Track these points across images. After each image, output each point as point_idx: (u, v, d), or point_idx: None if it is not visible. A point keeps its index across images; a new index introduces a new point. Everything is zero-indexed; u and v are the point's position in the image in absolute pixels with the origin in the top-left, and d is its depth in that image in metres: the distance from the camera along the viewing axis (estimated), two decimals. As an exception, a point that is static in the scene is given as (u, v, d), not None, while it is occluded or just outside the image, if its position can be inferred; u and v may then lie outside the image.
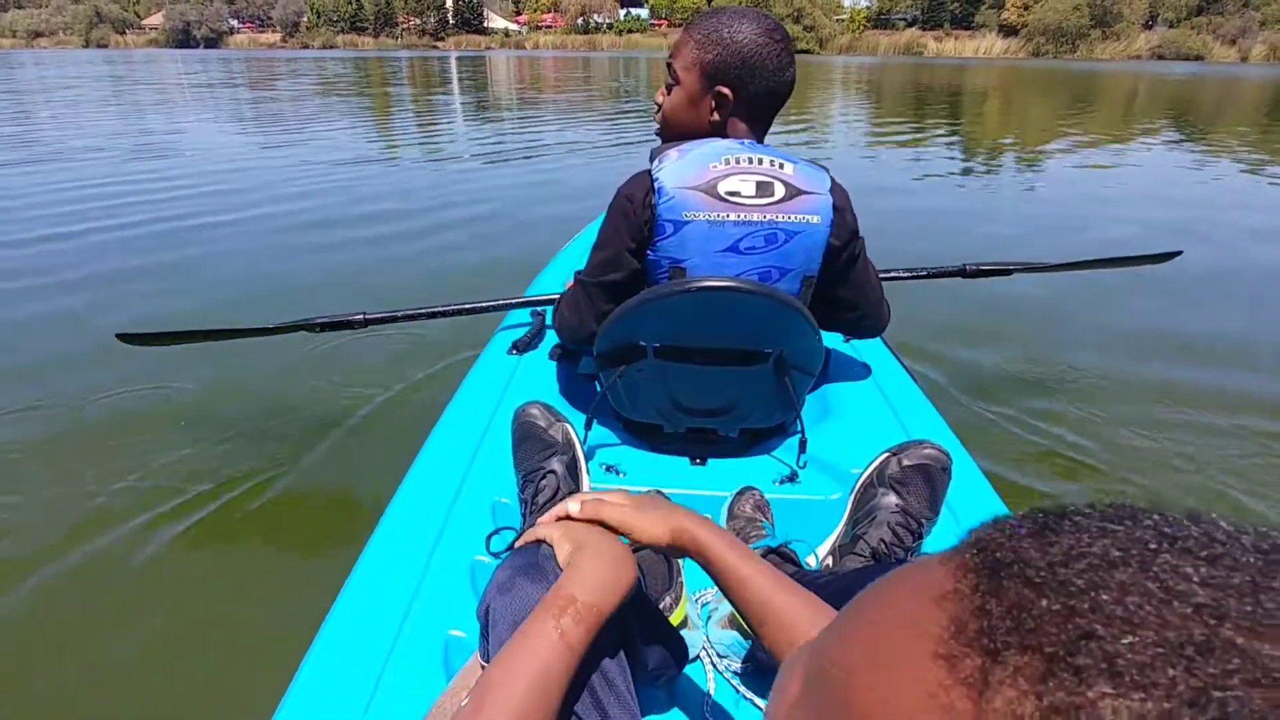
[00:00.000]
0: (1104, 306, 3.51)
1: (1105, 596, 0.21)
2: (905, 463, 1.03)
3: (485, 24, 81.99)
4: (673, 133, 1.29)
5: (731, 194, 1.13)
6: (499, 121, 11.63)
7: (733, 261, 1.16)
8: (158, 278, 3.86)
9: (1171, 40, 54.33)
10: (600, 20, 79.09)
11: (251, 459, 2.18)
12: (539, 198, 5.78)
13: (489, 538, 0.92)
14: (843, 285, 1.30)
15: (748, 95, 1.21)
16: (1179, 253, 2.28)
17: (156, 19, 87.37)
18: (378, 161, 7.65)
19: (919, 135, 10.41)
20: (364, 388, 2.59)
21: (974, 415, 2.51)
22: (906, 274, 1.92)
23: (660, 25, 77.31)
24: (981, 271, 1.97)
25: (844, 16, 69.93)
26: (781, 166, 1.16)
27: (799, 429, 1.25)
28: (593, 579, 0.69)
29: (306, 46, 76.47)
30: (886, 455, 1.05)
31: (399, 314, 1.89)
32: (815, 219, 1.16)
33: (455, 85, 20.45)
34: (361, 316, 1.86)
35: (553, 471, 1.06)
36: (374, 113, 12.92)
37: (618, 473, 1.24)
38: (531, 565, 0.75)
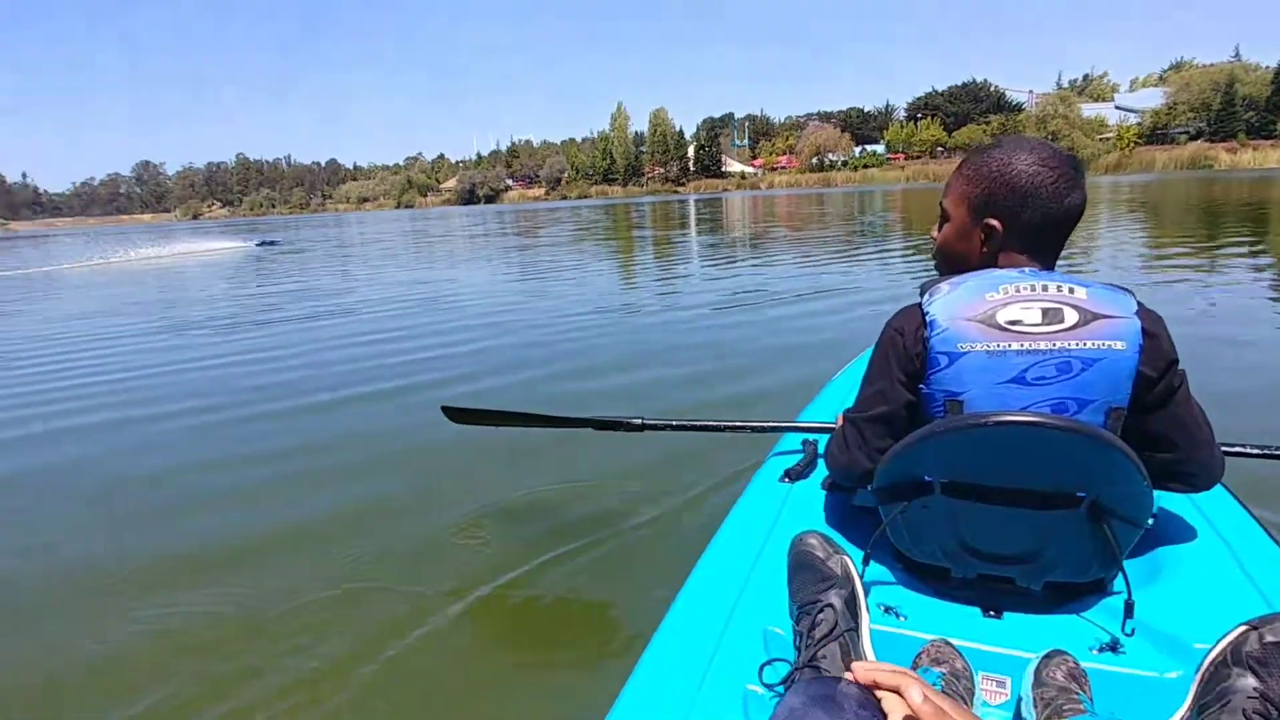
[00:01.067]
0: None
1: None
2: (1269, 639, 0.87)
3: (723, 168, 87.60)
4: (948, 266, 1.29)
5: (1013, 323, 1.08)
6: (737, 259, 11.85)
7: (1019, 393, 1.09)
8: (468, 378, 4.59)
9: None
10: (835, 158, 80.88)
11: (528, 548, 2.29)
12: (808, 326, 5.72)
13: (762, 668, 0.96)
14: (1158, 420, 1.15)
15: (1020, 225, 1.19)
16: None
17: (451, 183, 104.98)
18: (634, 291, 8.16)
19: (1218, 257, 8.53)
20: (637, 493, 2.65)
21: None
22: (1258, 451, 1.56)
23: (897, 159, 77.21)
24: None
25: (1109, 135, 64.92)
26: (1071, 291, 1.09)
27: (1123, 589, 1.09)
28: None
29: (565, 198, 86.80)
30: (1244, 629, 0.90)
31: (673, 423, 1.99)
32: (1119, 345, 1.07)
33: (692, 225, 21.70)
34: (640, 421, 1.97)
35: (831, 605, 1.02)
36: (623, 253, 14.01)
37: (898, 615, 1.14)
38: (827, 698, 0.73)
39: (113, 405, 4.30)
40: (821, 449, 1.59)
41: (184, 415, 3.99)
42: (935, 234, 1.32)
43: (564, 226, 24.44)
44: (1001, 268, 1.19)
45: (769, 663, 0.92)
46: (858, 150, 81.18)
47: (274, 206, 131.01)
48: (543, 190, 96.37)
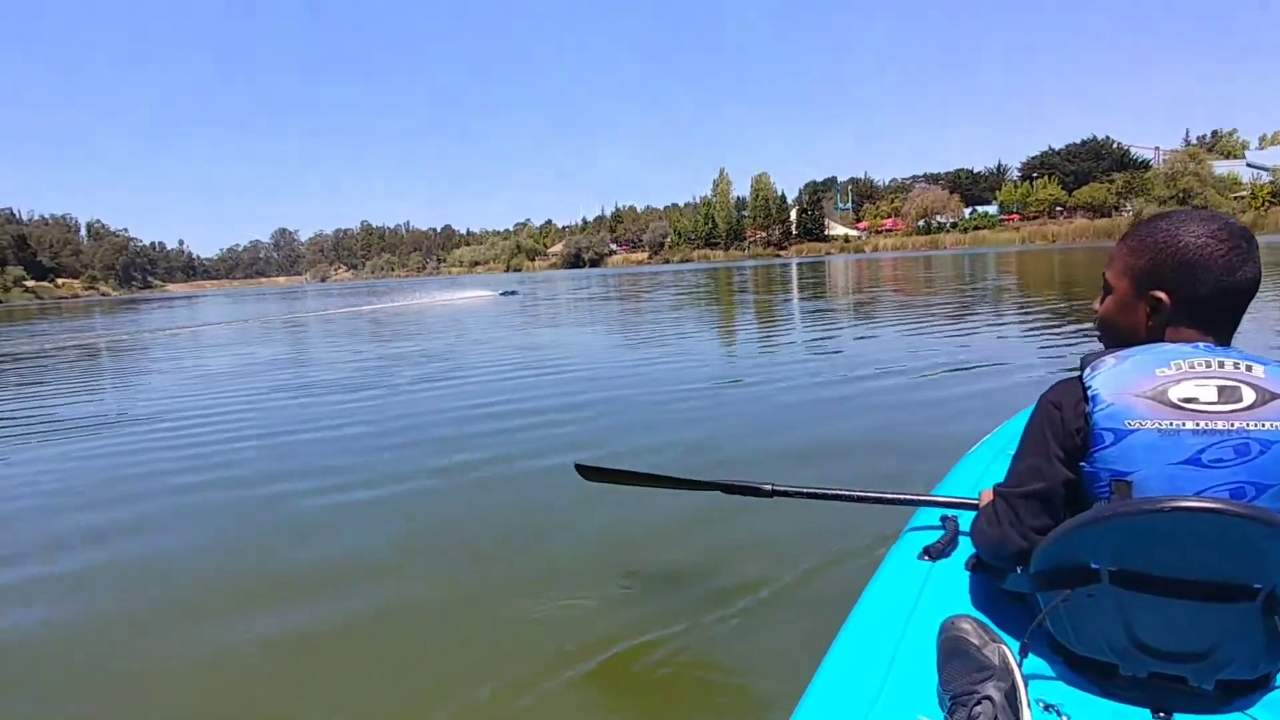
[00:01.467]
0: None
1: None
2: None
3: (825, 232, 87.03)
4: (1110, 340, 1.25)
5: (1187, 400, 1.04)
6: (844, 326, 11.63)
7: (1193, 475, 1.04)
8: (586, 442, 4.62)
9: None
10: (943, 220, 78.89)
11: (653, 616, 2.25)
12: (930, 398, 5.47)
13: None
14: None
15: (1191, 298, 1.14)
16: None
17: (557, 247, 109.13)
18: (743, 356, 8.20)
19: None
20: (768, 562, 2.58)
21: None
22: None
23: (1011, 219, 74.49)
24: None
25: (1243, 193, 60.47)
26: (1249, 369, 1.06)
27: None
28: None
29: (668, 261, 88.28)
30: None
31: (804, 490, 1.95)
32: None
33: (795, 289, 21.41)
34: (770, 487, 1.94)
35: (989, 698, 0.96)
36: (727, 318, 14.07)
37: (1059, 714, 1.05)
38: None
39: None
40: (964, 526, 1.53)
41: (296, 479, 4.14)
42: (1098, 305, 1.28)
43: (668, 290, 24.85)
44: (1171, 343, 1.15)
45: None
46: (967, 211, 78.90)
47: (393, 270, 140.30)
48: (646, 254, 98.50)
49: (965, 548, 1.54)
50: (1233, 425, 1.03)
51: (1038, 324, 9.54)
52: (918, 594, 1.41)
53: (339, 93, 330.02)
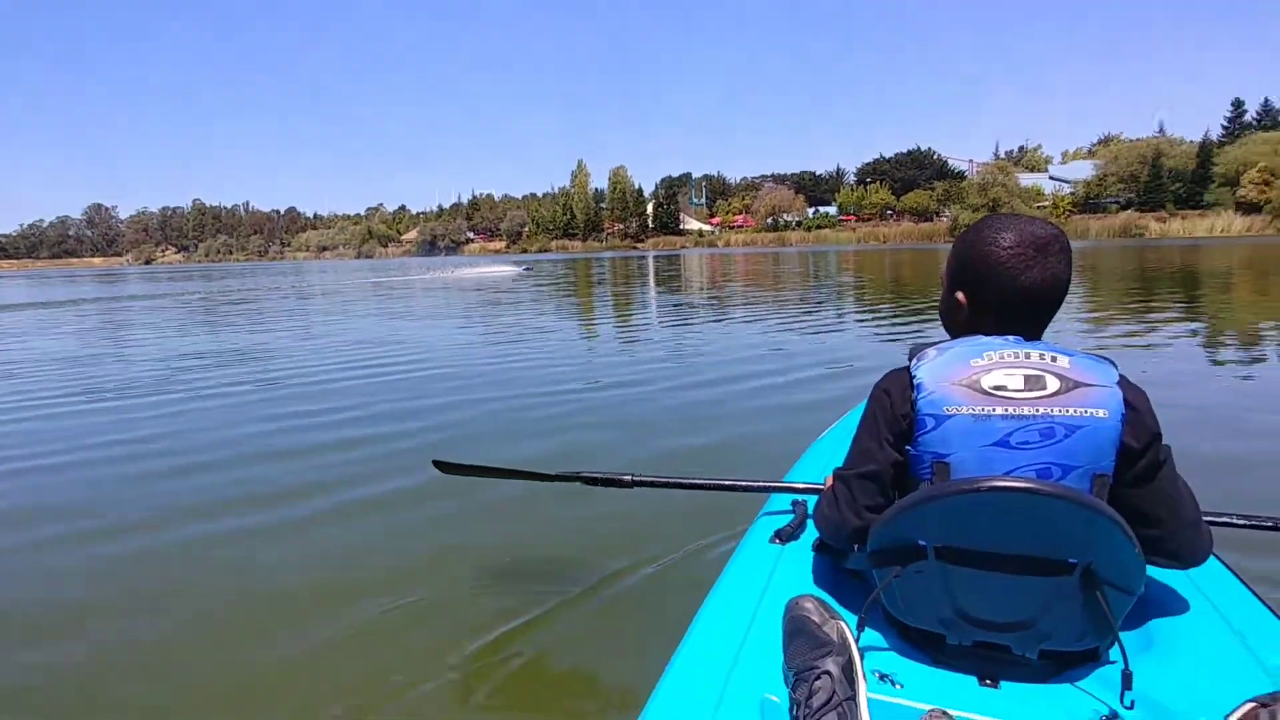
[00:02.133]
0: None
1: None
2: None
3: (681, 226, 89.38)
4: (947, 331, 1.31)
5: (997, 388, 1.12)
6: (704, 319, 11.93)
7: (1003, 456, 1.12)
8: (446, 432, 4.60)
9: None
10: (789, 218, 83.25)
11: (518, 607, 2.27)
12: (786, 386, 5.78)
13: None
14: (1142, 496, 1.17)
15: (984, 299, 1.23)
16: None
17: (411, 234, 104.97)
18: (605, 348, 8.13)
19: (1166, 321, 9.01)
20: (627, 551, 2.63)
21: None
22: (1242, 521, 1.59)
23: (849, 220, 79.79)
24: None
25: (1045, 203, 68.27)
26: (1054, 360, 1.13)
27: (1119, 659, 1.07)
28: None
29: (525, 251, 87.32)
30: (1251, 706, 0.89)
31: (663, 480, 1.99)
32: (1101, 413, 1.10)
33: (651, 279, 21.77)
34: (630, 477, 1.96)
35: (827, 672, 1.01)
36: (588, 309, 14.08)
37: (894, 683, 1.11)
38: None
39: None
40: (811, 509, 1.59)
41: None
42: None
43: (527, 279, 24.62)
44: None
45: None
46: (811, 211, 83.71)
47: (230, 253, 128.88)
48: (503, 243, 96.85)
49: (813, 530, 1.58)
50: (1038, 410, 1.10)
51: (877, 318, 10.42)
52: (768, 576, 1.46)
53: (162, 49, 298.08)
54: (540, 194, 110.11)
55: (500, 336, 9.34)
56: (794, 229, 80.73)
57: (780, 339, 8.37)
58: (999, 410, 1.11)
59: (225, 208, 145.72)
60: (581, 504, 3.01)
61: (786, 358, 7.03)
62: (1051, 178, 75.81)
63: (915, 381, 1.17)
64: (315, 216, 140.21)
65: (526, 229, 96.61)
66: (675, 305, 13.87)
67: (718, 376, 6.11)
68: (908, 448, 1.19)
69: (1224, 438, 3.95)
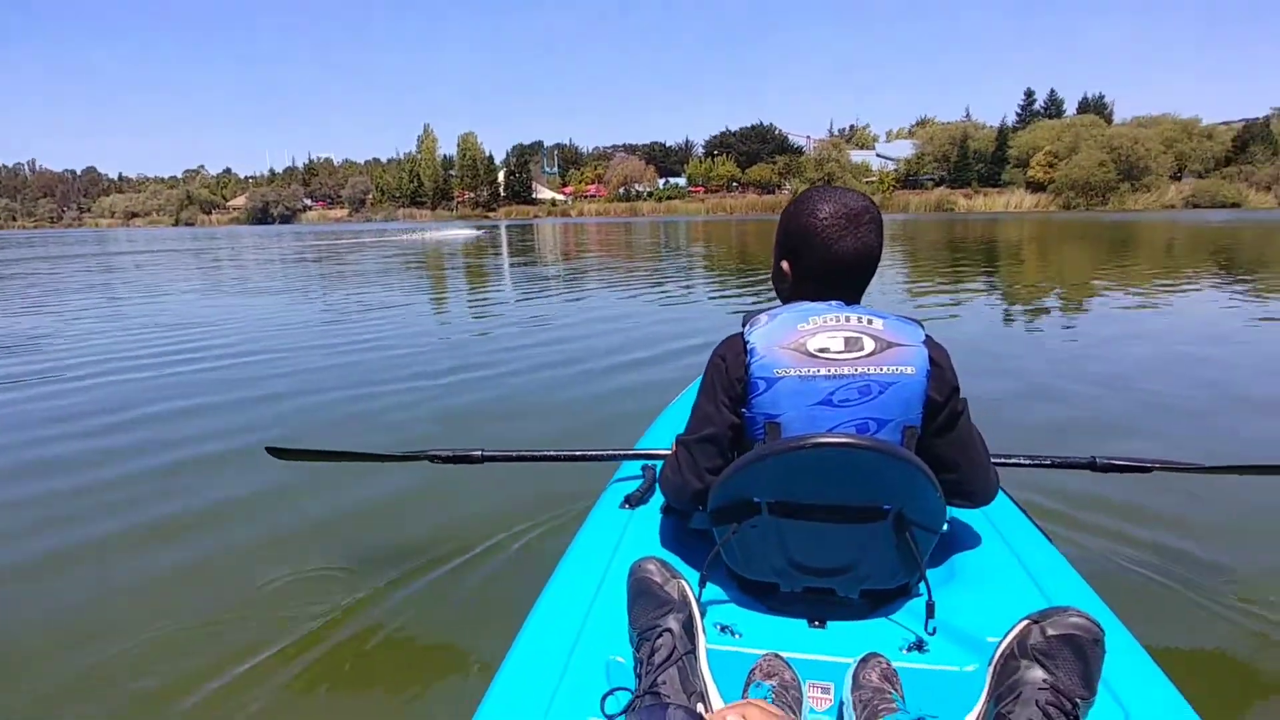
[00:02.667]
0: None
1: None
2: (1050, 632, 0.92)
3: (534, 195, 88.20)
4: (780, 298, 1.39)
5: (821, 350, 1.18)
6: (560, 290, 11.97)
7: (827, 414, 1.19)
8: (289, 416, 4.36)
9: (1205, 189, 55.61)
10: (641, 189, 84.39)
11: (367, 592, 2.25)
12: (640, 357, 5.87)
13: (604, 698, 0.93)
14: (943, 444, 1.29)
15: (803, 268, 1.31)
16: None
17: (240, 200, 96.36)
18: (455, 321, 8.15)
19: (960, 286, 10.43)
20: (480, 527, 2.63)
21: (1123, 579, 2.24)
22: (1028, 461, 1.81)
23: (697, 191, 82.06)
24: (1114, 466, 1.81)
25: (873, 178, 73.55)
26: (870, 322, 1.21)
27: (925, 592, 1.19)
28: None
29: (370, 219, 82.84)
30: (1027, 623, 0.96)
31: (514, 454, 1.99)
32: (909, 370, 1.19)
33: (503, 252, 21.47)
34: (480, 453, 1.95)
35: (669, 630, 1.03)
36: (440, 281, 13.70)
37: (733, 633, 1.19)
38: None
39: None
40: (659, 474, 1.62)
41: None
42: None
43: (372, 250, 23.47)
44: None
45: (611, 692, 0.94)
46: (662, 182, 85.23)
47: (14, 219, 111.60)
48: (346, 211, 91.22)
49: (661, 494, 1.60)
50: (856, 370, 1.18)
51: (724, 288, 11.01)
52: (617, 541, 1.49)
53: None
54: (385, 159, 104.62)
55: (342, 315, 8.71)
56: (646, 199, 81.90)
57: (632, 310, 8.66)
58: (823, 371, 1.18)
59: (5, 166, 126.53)
60: (431, 484, 2.97)
61: (638, 329, 7.28)
62: (878, 155, 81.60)
63: (749, 347, 1.22)
64: (121, 179, 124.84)
65: (371, 196, 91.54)
66: (529, 278, 13.82)
67: (571, 350, 6.13)
68: (743, 410, 1.25)
69: (1012, 386, 4.67)
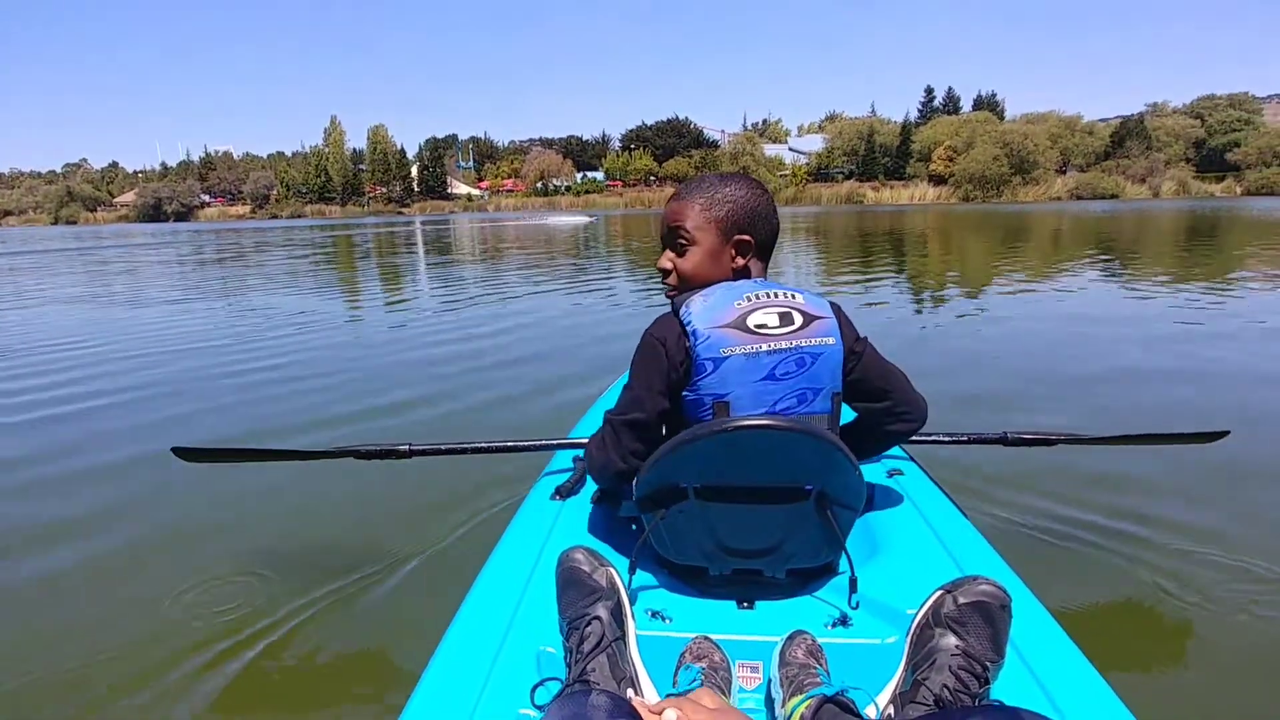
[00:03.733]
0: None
1: None
2: (961, 600, 0.98)
3: (449, 190, 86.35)
4: (697, 287, 1.34)
5: (760, 326, 1.22)
6: (480, 285, 11.85)
7: (772, 388, 1.22)
8: (198, 416, 4.19)
9: (1086, 182, 59.91)
10: (559, 183, 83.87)
11: (291, 596, 2.15)
12: (572, 344, 5.94)
13: (534, 690, 0.93)
14: (866, 377, 1.36)
15: (759, 239, 1.37)
16: (1226, 433, 2.10)
17: (129, 196, 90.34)
18: (372, 316, 7.93)
19: (872, 275, 10.87)
20: (408, 524, 2.58)
21: (1031, 548, 2.36)
22: (947, 438, 1.93)
23: (615, 185, 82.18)
24: (1023, 440, 1.93)
25: (786, 172, 75.36)
26: (794, 297, 1.27)
27: (847, 569, 1.22)
28: None
29: (275, 217, 79.24)
30: (940, 593, 1.01)
31: (443, 447, 1.94)
32: (830, 340, 1.26)
33: (420, 248, 20.98)
34: (407, 447, 1.91)
35: (597, 618, 1.03)
36: (346, 275, 13.34)
37: (663, 618, 1.19)
38: (579, 716, 0.75)
39: None
40: None
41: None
42: (670, 263, 1.39)
43: (279, 250, 22.55)
44: (750, 278, 1.35)
45: (541, 683, 0.93)
46: (579, 176, 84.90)
47: None
48: (248, 208, 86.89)
49: (593, 484, 1.63)
50: (792, 344, 1.22)
51: (647, 280, 11.04)
52: (548, 532, 1.49)
53: None
54: (290, 153, 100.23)
55: (252, 321, 7.99)
56: (564, 194, 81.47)
57: (557, 305, 8.65)
58: (765, 347, 1.21)
59: None
60: (357, 481, 2.87)
61: (566, 321, 7.32)
62: (790, 149, 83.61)
63: (689, 329, 1.23)
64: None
65: (275, 192, 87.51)
66: (446, 276, 13.67)
67: (498, 345, 6.08)
68: (685, 392, 1.26)
69: (924, 367, 4.65)
